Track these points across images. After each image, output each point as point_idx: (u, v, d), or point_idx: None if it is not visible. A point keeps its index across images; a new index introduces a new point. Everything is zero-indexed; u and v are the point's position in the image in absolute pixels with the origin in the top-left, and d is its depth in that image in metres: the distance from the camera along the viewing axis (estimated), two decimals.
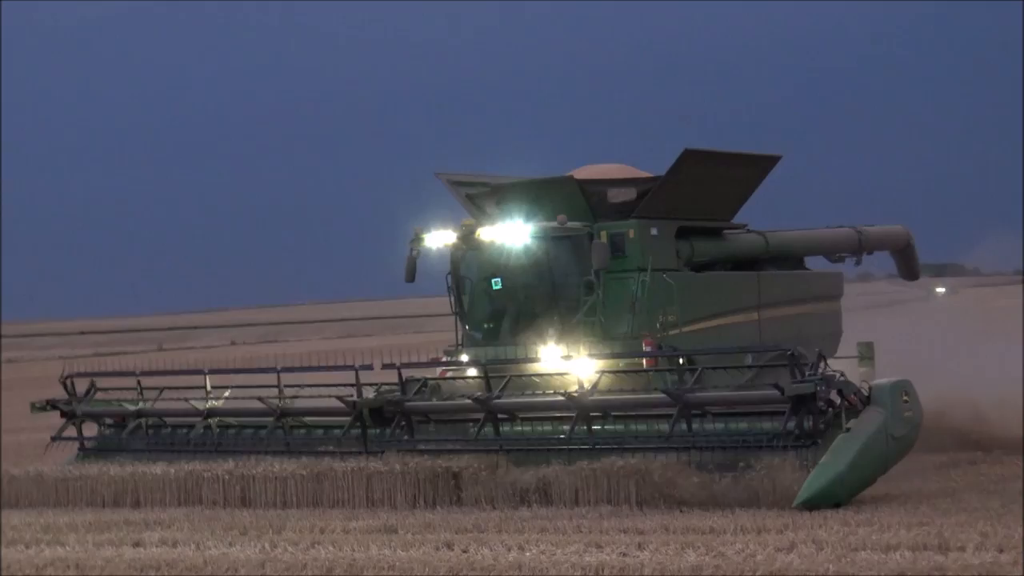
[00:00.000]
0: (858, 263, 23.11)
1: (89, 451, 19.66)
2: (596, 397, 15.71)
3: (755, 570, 10.91)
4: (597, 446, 15.52)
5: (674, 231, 18.67)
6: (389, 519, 14.58)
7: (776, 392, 14.70)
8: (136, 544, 14.24)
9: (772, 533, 12.82)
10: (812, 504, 13.74)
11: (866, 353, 19.46)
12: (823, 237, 22.47)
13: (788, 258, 21.40)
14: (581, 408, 15.57)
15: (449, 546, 12.95)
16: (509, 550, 12.50)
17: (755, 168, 20.00)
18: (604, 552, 12.09)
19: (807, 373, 14.46)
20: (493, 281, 18.55)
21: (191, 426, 19.00)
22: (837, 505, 13.86)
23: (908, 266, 24.24)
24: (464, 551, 12.58)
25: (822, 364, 14.67)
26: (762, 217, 21.44)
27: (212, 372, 19.55)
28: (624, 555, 11.93)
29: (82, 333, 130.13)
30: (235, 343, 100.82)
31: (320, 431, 18.21)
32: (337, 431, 17.66)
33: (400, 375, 17.23)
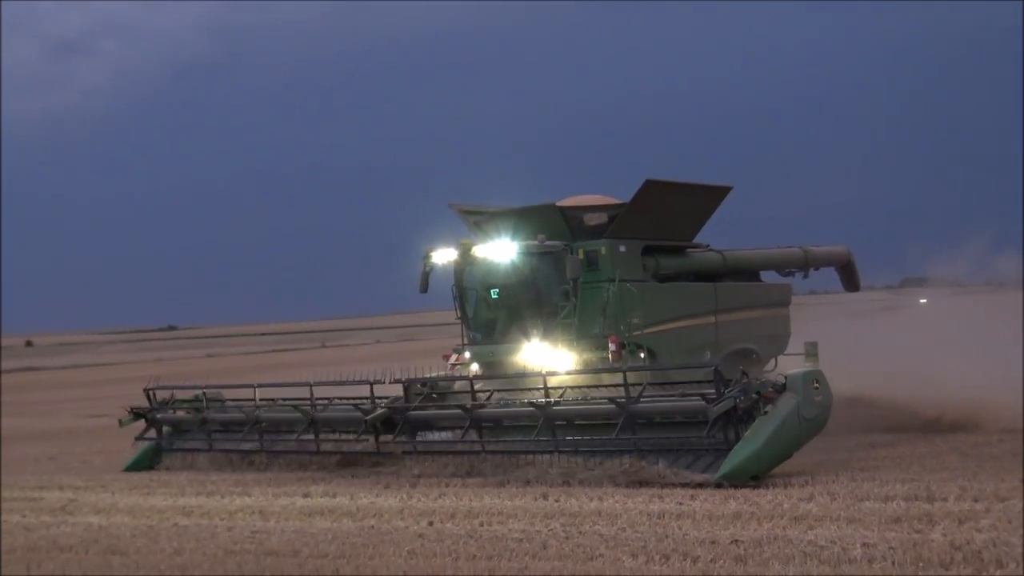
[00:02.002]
0: (805, 276, 22.75)
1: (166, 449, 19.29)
2: (559, 408, 15.31)
3: (783, 515, 11.18)
4: (559, 449, 15.13)
5: (640, 249, 18.51)
6: (501, 479, 14.76)
7: (701, 404, 14.14)
8: (305, 495, 14.48)
9: (795, 487, 13.01)
10: (730, 478, 13.31)
11: (812, 351, 19.31)
12: (774, 255, 22.16)
13: (744, 272, 21.16)
14: (547, 416, 15.17)
15: (545, 496, 13.18)
16: (591, 500, 12.73)
17: (710, 196, 19.64)
18: (664, 502, 12.36)
19: (723, 391, 13.92)
20: (492, 291, 18.48)
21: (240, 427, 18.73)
22: (755, 478, 13.41)
23: (850, 280, 23.83)
24: (556, 500, 12.83)
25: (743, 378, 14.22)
26: (729, 238, 21.29)
27: (260, 386, 19.15)
28: (680, 504, 12.17)
29: (263, 335, 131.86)
30: (380, 341, 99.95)
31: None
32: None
33: (406, 390, 16.96)
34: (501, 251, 17.88)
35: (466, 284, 18.78)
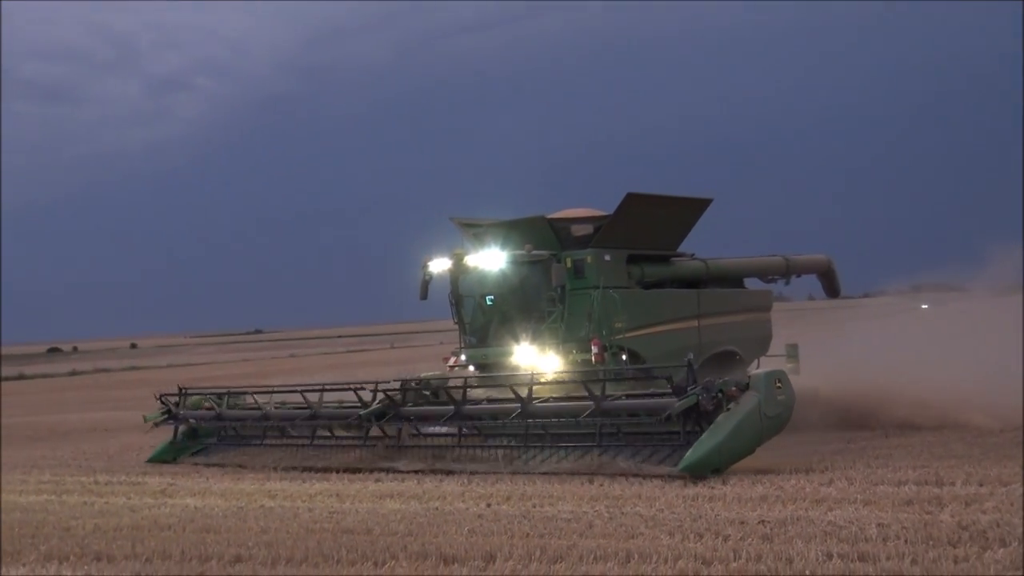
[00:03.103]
0: (787, 283, 22.24)
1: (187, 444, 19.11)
2: (538, 405, 15.04)
3: (805, 498, 11.20)
4: (532, 445, 14.99)
5: (625, 258, 17.99)
6: (554, 467, 14.50)
7: (669, 400, 13.89)
8: (376, 480, 14.63)
9: (816, 473, 13.00)
10: (692, 470, 13.04)
11: (792, 353, 19.25)
12: (756, 263, 21.64)
13: (727, 279, 20.61)
14: (525, 413, 14.91)
15: (590, 481, 13.24)
16: (631, 484, 12.82)
17: (691, 208, 19.09)
18: (698, 486, 12.40)
19: (688, 388, 13.64)
20: (488, 298, 18.09)
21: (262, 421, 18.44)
22: (716, 471, 13.14)
23: (830, 286, 23.21)
24: (601, 485, 12.90)
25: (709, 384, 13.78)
26: (717, 247, 20.96)
27: (276, 390, 19.18)
28: (712, 488, 12.23)
29: (339, 337, 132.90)
30: (443, 343, 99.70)
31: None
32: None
33: (403, 388, 17.12)
34: (491, 260, 17.59)
35: (461, 292, 18.35)
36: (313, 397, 17.78)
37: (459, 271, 18.07)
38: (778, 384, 13.92)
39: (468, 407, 15.76)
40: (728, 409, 13.48)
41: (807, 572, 8.07)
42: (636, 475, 13.39)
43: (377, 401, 16.66)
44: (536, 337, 17.28)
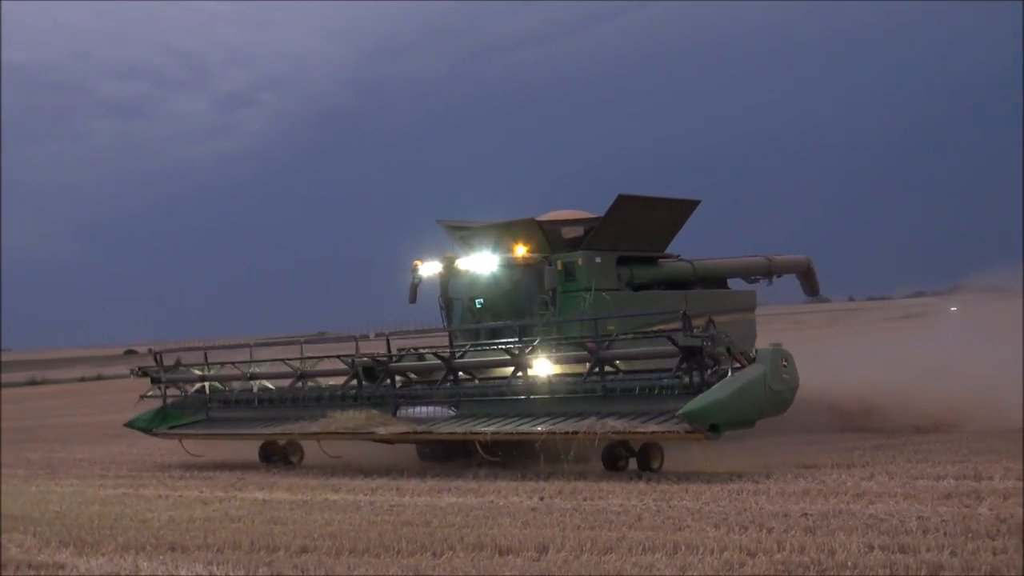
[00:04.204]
0: (770, 283, 21.53)
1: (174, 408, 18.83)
2: (533, 355, 14.51)
3: (846, 492, 11.14)
4: (531, 396, 14.43)
5: (615, 260, 17.26)
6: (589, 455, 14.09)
7: (671, 347, 13.31)
8: (435, 475, 14.51)
9: (857, 468, 12.92)
10: (691, 416, 12.43)
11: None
12: (740, 264, 21.07)
13: (713, 280, 19.95)
14: (520, 363, 14.47)
15: (639, 476, 13.23)
16: (679, 480, 12.77)
17: (680, 210, 18.35)
18: (743, 481, 12.32)
19: (694, 332, 13.13)
20: (476, 301, 17.13)
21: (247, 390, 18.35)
22: (714, 427, 12.52)
23: (809, 285, 22.72)
24: (648, 481, 12.87)
25: (711, 326, 13.30)
26: (699, 248, 20.20)
27: (257, 346, 18.91)
28: (756, 482, 12.15)
29: (377, 336, 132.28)
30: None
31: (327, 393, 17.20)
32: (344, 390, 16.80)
33: (388, 344, 16.51)
34: (483, 263, 16.93)
35: (451, 295, 17.74)
36: (296, 365, 17.58)
37: (450, 274, 17.45)
38: (784, 363, 13.45)
39: (461, 360, 15.30)
40: (734, 370, 13.02)
41: (849, 563, 7.97)
42: (631, 434, 13.13)
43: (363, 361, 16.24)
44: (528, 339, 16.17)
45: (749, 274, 21.32)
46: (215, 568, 9.15)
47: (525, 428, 14.08)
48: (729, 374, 13.03)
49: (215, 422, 18.35)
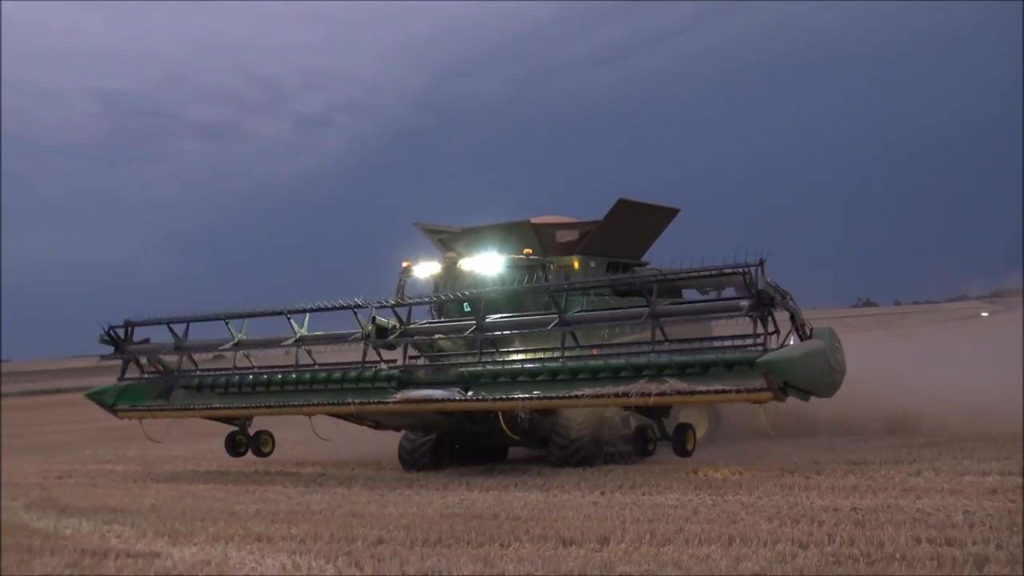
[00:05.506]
0: (719, 295, 20.14)
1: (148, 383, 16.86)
2: (576, 314, 13.33)
3: (894, 487, 11.04)
4: (568, 353, 13.18)
5: (605, 265, 16.29)
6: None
7: (731, 302, 12.23)
8: (501, 471, 14.60)
9: (904, 464, 12.78)
10: (770, 366, 11.32)
11: None
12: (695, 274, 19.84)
13: (675, 290, 17.23)
14: (562, 324, 13.16)
15: (695, 471, 13.04)
16: (733, 474, 12.67)
17: (663, 218, 17.45)
18: (794, 476, 12.25)
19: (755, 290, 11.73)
20: (464, 305, 15.17)
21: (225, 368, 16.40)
22: (786, 386, 11.45)
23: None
24: (704, 475, 12.77)
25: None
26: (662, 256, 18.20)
27: (241, 316, 15.88)
28: (807, 478, 12.08)
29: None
30: None
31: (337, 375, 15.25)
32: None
33: (396, 312, 14.62)
34: (489, 264, 15.71)
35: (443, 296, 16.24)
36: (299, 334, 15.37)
37: (449, 275, 16.06)
38: (837, 344, 12.41)
39: (489, 322, 13.88)
40: (802, 338, 12.06)
41: (897, 556, 7.88)
42: (691, 394, 12.11)
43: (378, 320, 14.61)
44: (529, 343, 14.70)
45: (703, 286, 20.62)
46: (298, 557, 9.22)
47: (570, 392, 12.89)
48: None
49: (191, 396, 16.53)
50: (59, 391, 76.80)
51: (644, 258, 17.69)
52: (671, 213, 17.74)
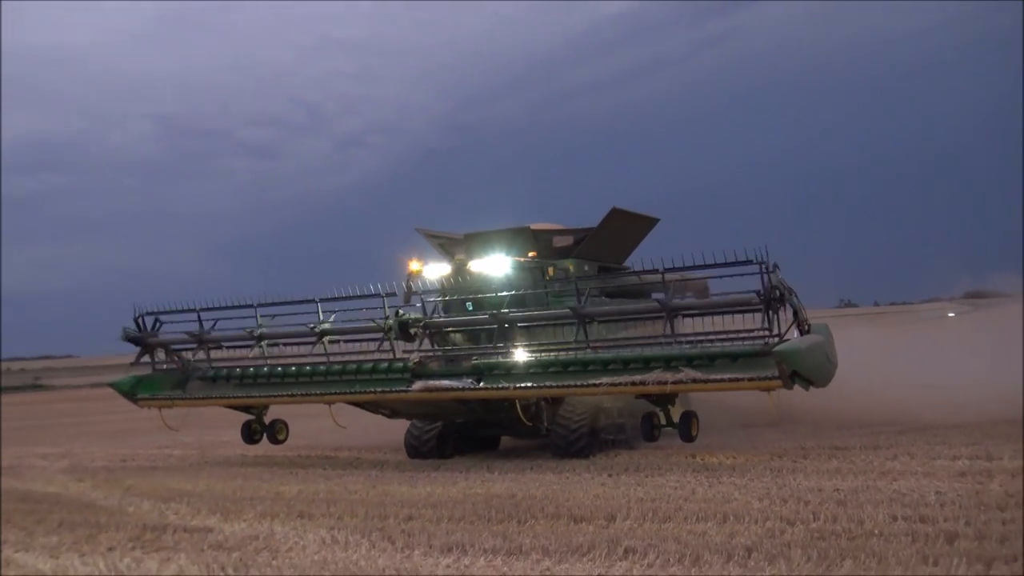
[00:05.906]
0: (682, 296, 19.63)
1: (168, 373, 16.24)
2: (593, 308, 12.98)
3: (873, 470, 11.02)
4: (588, 346, 12.78)
5: (596, 268, 15.89)
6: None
7: (744, 296, 11.72)
8: (519, 456, 14.60)
9: (881, 449, 12.72)
10: (783, 356, 11.01)
11: None
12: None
13: (642, 294, 16.66)
14: (580, 317, 12.88)
15: (692, 456, 13.02)
16: (727, 458, 12.68)
17: (646, 226, 16.83)
18: (782, 460, 12.21)
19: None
20: (467, 304, 14.73)
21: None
22: (795, 375, 11.13)
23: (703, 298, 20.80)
24: (701, 460, 12.78)
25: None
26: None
27: (262, 305, 15.33)
28: (794, 462, 12.02)
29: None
30: None
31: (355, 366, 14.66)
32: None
33: (423, 303, 14.32)
34: (496, 265, 15.13)
35: (456, 296, 15.45)
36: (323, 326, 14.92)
37: (457, 276, 15.42)
38: (831, 339, 12.08)
39: (508, 315, 13.44)
40: (805, 332, 11.62)
41: (876, 532, 7.87)
42: (705, 382, 11.71)
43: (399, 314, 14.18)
44: (530, 338, 14.12)
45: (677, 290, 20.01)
46: (336, 532, 9.27)
47: (588, 380, 12.53)
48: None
49: (206, 387, 15.93)
50: None
51: (626, 263, 17.36)
52: (653, 222, 17.38)
